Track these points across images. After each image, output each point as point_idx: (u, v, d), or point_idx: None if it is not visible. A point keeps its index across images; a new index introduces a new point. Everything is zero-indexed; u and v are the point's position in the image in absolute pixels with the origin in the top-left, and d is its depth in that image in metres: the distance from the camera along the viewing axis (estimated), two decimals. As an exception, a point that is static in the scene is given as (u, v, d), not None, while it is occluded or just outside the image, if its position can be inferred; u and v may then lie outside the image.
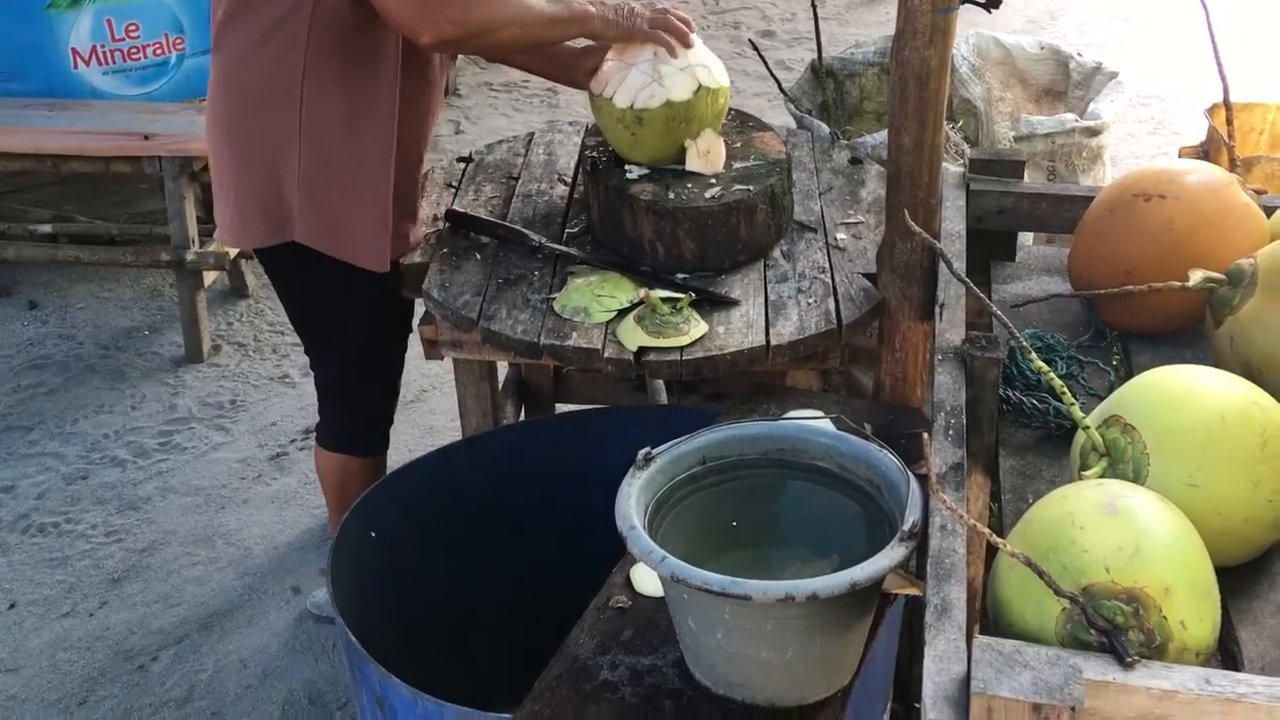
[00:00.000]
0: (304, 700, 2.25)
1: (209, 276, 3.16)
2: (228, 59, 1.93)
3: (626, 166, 2.03)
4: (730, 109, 2.14)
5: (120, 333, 3.27)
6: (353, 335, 2.10)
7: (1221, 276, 1.51)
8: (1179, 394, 1.29)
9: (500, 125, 4.52)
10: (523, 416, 2.52)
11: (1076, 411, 1.35)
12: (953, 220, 1.86)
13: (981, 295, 1.53)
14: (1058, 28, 5.19)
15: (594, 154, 2.09)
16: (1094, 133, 2.41)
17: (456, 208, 2.17)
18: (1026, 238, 2.18)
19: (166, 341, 3.24)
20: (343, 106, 1.89)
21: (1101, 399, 1.44)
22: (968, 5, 1.65)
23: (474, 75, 4.89)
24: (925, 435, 1.28)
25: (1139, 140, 4.09)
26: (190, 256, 3.01)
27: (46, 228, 3.15)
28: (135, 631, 2.39)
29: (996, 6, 1.63)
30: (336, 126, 1.90)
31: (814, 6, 2.74)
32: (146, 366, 3.15)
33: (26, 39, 3.25)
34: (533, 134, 2.50)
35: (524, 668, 1.42)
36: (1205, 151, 2.18)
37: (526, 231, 2.06)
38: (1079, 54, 2.64)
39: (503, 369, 2.39)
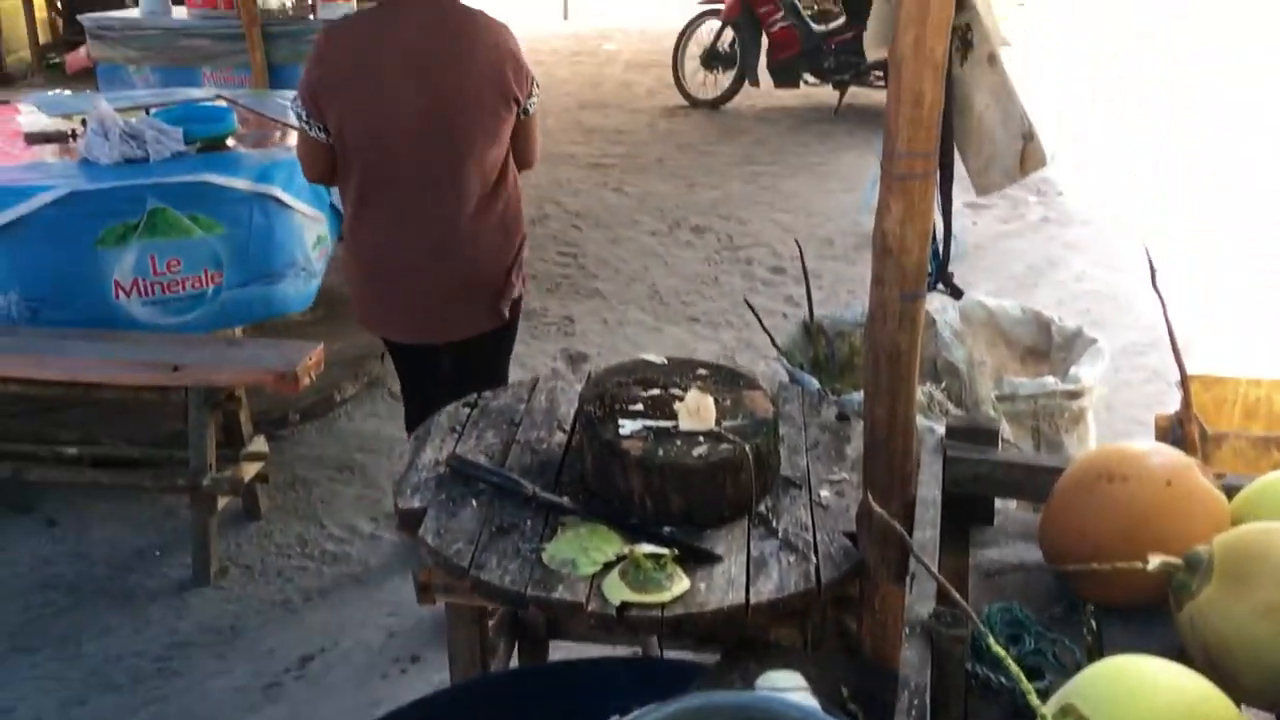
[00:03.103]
0: None
1: (223, 500, 3.25)
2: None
3: (621, 422, 2.14)
4: (723, 364, 2.26)
5: (132, 553, 3.34)
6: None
7: (1179, 562, 1.56)
8: (1132, 687, 1.33)
9: (518, 351, 4.67)
10: (515, 653, 2.55)
11: (1033, 699, 1.39)
12: (928, 486, 1.94)
13: (939, 578, 1.58)
14: (1057, 274, 5.41)
15: (590, 408, 2.20)
16: (1075, 395, 2.51)
17: (458, 453, 2.28)
18: (1009, 501, 2.25)
19: (176, 562, 3.30)
20: None
21: (1070, 676, 1.47)
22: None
23: (496, 304, 5.12)
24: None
25: (1134, 388, 4.20)
26: (206, 482, 3.11)
27: (73, 450, 3.27)
28: None
29: (959, 296, 1.76)
30: None
31: (805, 275, 2.91)
32: (154, 588, 3.21)
33: (73, 271, 3.47)
34: (537, 379, 2.62)
35: None
36: (1179, 420, 2.27)
37: (521, 481, 2.15)
38: (1059, 319, 2.78)
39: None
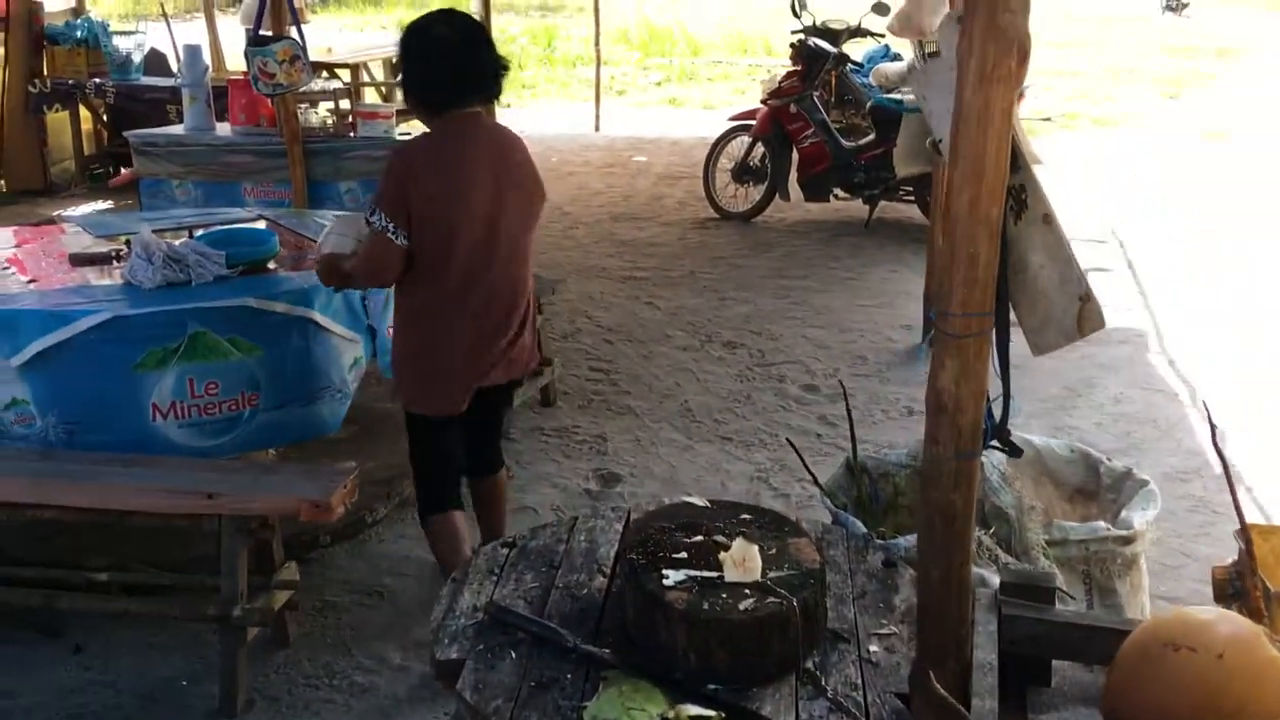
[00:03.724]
0: None
1: (252, 631, 3.20)
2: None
3: (664, 572, 2.09)
4: (767, 509, 2.22)
5: (159, 682, 3.28)
6: None
7: (1256, 745, 1.49)
8: None
9: (550, 470, 4.66)
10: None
11: None
12: (985, 649, 1.88)
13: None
14: (1094, 396, 5.35)
15: (633, 555, 2.16)
16: (1127, 541, 2.45)
17: (496, 599, 2.23)
18: (1063, 655, 2.17)
19: (203, 693, 3.24)
20: None
21: None
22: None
23: (527, 420, 5.10)
24: None
25: (1179, 518, 4.10)
26: (237, 613, 3.07)
27: (103, 576, 3.24)
28: None
29: (1018, 455, 1.72)
30: None
31: (848, 410, 2.88)
32: (180, 720, 3.14)
33: (111, 395, 3.48)
34: (575, 519, 2.59)
35: None
36: (1238, 573, 2.20)
37: (562, 632, 2.10)
38: (1108, 459, 2.72)
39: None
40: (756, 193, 8.51)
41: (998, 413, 1.73)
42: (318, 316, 3.73)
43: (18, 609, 3.27)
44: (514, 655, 2.08)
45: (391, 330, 3.40)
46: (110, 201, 9.08)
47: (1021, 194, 1.64)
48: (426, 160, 3.10)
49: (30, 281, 3.73)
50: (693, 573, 2.08)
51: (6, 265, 3.94)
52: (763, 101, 8.31)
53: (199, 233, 4.22)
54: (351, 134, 6.61)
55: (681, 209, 9.03)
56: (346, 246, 3.38)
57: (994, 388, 1.73)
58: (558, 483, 4.57)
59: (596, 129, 12.53)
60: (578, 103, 14.41)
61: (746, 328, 6.33)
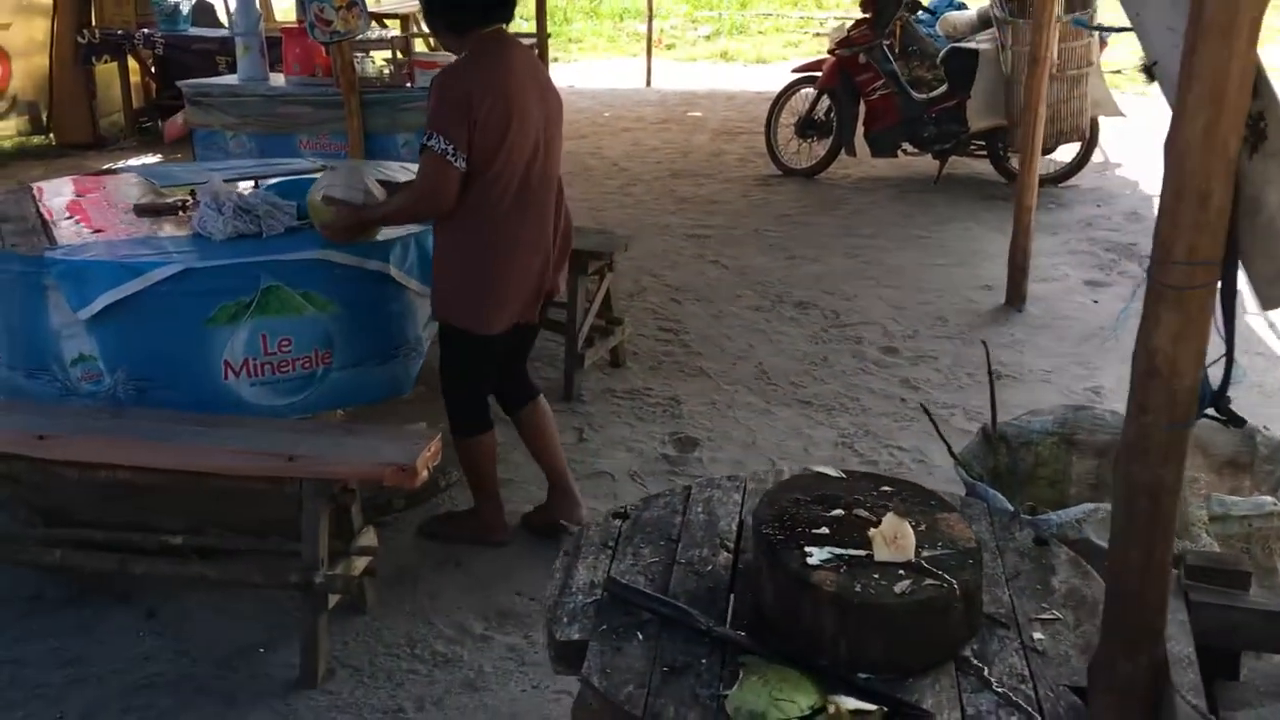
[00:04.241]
0: None
1: (333, 598, 3.06)
2: None
3: (807, 549, 1.90)
4: (907, 483, 2.02)
5: (235, 650, 3.15)
6: None
7: None
8: None
9: (624, 434, 4.48)
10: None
11: None
12: (1179, 640, 1.68)
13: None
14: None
15: (768, 530, 1.97)
16: (1296, 518, 2.23)
17: (615, 575, 2.05)
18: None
19: (281, 662, 3.10)
20: None
21: None
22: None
23: (597, 381, 4.92)
24: None
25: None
26: (319, 579, 2.92)
27: (177, 539, 3.10)
28: None
29: (1241, 425, 1.51)
30: None
31: (991, 380, 2.66)
32: (258, 690, 3.01)
33: (182, 351, 3.33)
34: (690, 489, 2.40)
35: None
36: None
37: (694, 612, 1.92)
38: (1265, 427, 2.50)
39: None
40: (821, 148, 8.23)
41: (1215, 378, 1.52)
42: (393, 271, 3.55)
43: (89, 573, 3.14)
44: (640, 637, 1.91)
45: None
46: (159, 156, 8.95)
47: (1260, 122, 1.42)
48: (480, 79, 3.13)
49: (96, 231, 3.58)
50: (838, 550, 1.89)
51: (69, 214, 3.79)
52: (830, 51, 8.01)
53: (267, 183, 4.05)
54: (408, 84, 6.41)
55: (742, 165, 8.78)
56: (357, 197, 3.36)
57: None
58: (633, 447, 4.39)
59: (648, 84, 12.25)
60: (625, 58, 14.12)
61: (818, 287, 6.10)
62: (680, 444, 4.41)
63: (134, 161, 8.81)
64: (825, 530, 1.95)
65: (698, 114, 10.72)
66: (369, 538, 3.21)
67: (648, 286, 6.11)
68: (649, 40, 12.58)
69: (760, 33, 15.60)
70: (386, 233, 3.56)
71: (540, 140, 3.26)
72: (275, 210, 3.54)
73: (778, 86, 8.65)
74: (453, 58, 3.44)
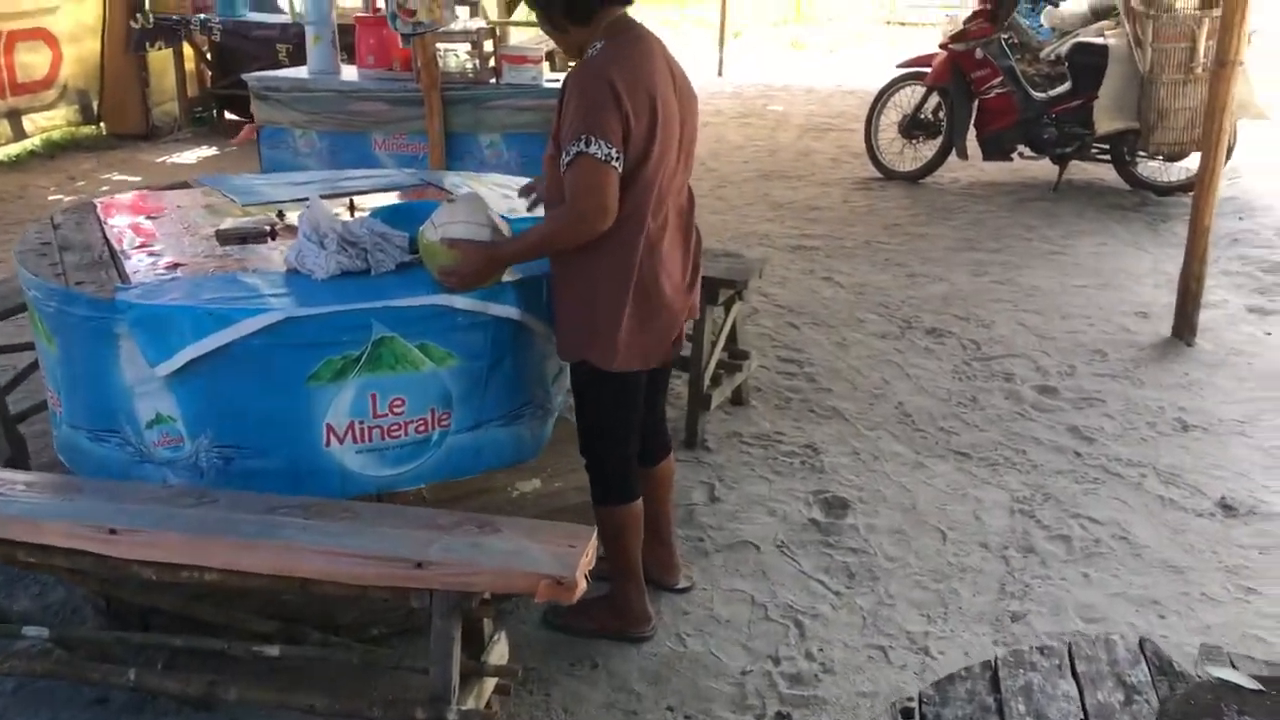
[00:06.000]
0: None
1: (463, 730, 2.50)
2: None
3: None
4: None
5: (341, 783, 2.60)
6: None
7: None
8: None
9: (761, 492, 3.89)
10: None
11: None
12: None
13: None
14: None
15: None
16: None
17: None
18: None
19: (396, 800, 2.55)
20: None
21: None
22: None
23: (720, 423, 4.35)
24: None
25: None
26: (451, 716, 2.36)
27: (274, 650, 2.55)
28: None
29: None
30: None
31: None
32: (372, 840, 2.46)
33: (278, 413, 2.78)
34: (995, 669, 1.80)
35: None
36: None
37: None
38: None
39: None
40: (928, 150, 7.60)
41: None
42: (521, 315, 2.98)
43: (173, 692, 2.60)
44: None
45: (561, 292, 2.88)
46: (216, 149, 8.44)
47: None
48: (625, 70, 2.65)
49: (173, 266, 3.02)
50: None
51: (139, 241, 3.23)
52: (941, 46, 7.36)
53: (367, 205, 3.48)
54: (494, 80, 5.84)
55: (836, 166, 8.16)
56: (483, 234, 2.79)
57: None
58: (774, 509, 3.80)
59: (719, 74, 11.64)
60: (691, 45, 13.49)
61: (949, 311, 5.49)
62: (828, 506, 3.82)
63: (189, 155, 8.31)
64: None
65: (778, 108, 10.10)
66: (502, 651, 2.65)
67: (759, 308, 5.52)
68: (721, 27, 11.94)
69: (829, 19, 14.94)
70: (510, 272, 2.99)
71: (682, 142, 2.81)
72: (385, 243, 2.97)
73: (854, 78, 8.02)
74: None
